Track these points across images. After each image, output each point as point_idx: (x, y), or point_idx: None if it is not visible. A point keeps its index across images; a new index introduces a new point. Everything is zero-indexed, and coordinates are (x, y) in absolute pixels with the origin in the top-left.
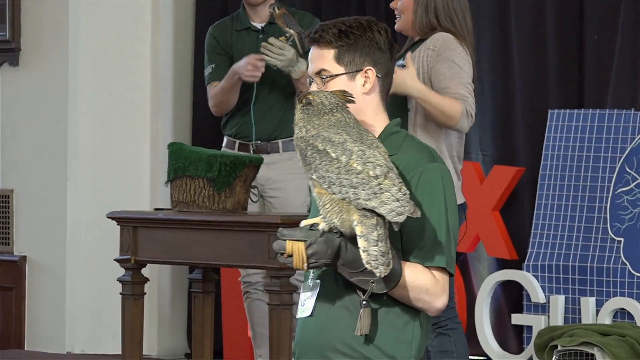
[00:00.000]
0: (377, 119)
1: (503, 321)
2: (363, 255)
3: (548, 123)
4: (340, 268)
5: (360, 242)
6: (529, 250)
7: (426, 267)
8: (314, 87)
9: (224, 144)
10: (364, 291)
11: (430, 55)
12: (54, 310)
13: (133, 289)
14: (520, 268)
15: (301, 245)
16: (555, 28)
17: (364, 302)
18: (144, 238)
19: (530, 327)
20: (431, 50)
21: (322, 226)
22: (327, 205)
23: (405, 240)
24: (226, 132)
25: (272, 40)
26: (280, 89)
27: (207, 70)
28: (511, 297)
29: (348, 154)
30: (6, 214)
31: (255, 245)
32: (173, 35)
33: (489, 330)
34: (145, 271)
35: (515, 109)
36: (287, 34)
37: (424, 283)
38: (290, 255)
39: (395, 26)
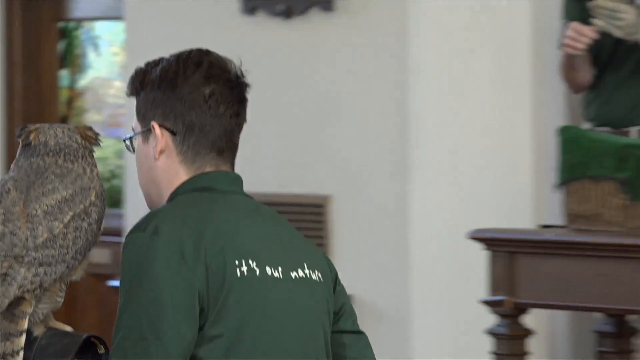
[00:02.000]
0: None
1: None
2: None
3: None
4: None
5: None
6: None
7: None
8: None
9: None
10: None
11: None
12: None
13: (511, 347)
14: None
15: None
16: None
17: None
18: (526, 270)
19: None
20: None
21: None
22: None
23: None
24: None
25: (601, 2)
26: (636, 61)
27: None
28: None
29: None
30: (320, 230)
31: None
32: None
33: None
34: (528, 319)
35: None
36: None
37: None
38: None
39: None
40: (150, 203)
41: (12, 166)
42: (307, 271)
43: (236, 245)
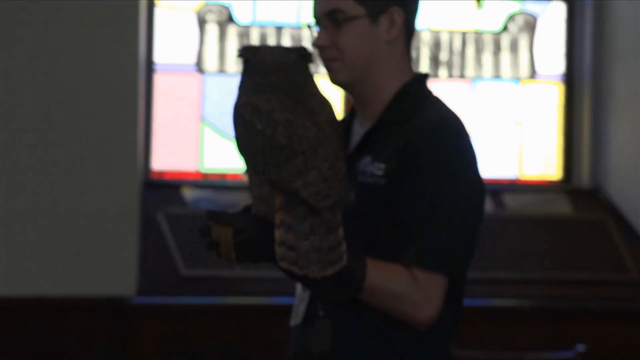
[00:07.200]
0: (399, 74)
1: None
2: (280, 250)
3: None
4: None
5: (278, 234)
6: None
7: (408, 266)
8: (322, 35)
9: None
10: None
11: None
12: None
13: None
14: None
15: (229, 231)
16: None
17: (321, 312)
18: None
19: None
20: None
21: (254, 211)
22: (255, 189)
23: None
24: None
25: None
26: None
27: None
28: None
29: (273, 126)
30: None
31: None
32: None
33: None
34: None
35: None
36: None
37: (396, 288)
38: (217, 244)
39: None
40: (358, 79)
41: (238, 87)
42: None
43: None
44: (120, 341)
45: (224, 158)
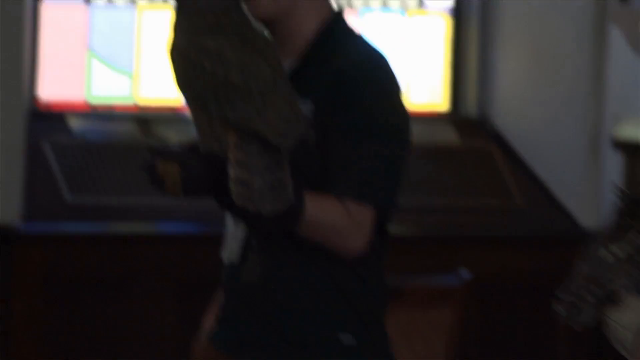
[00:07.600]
0: (320, 10)
1: None
2: (235, 188)
3: None
4: (230, 200)
5: (232, 171)
6: None
7: (340, 198)
8: None
9: None
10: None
11: None
12: None
13: None
14: None
15: (176, 166)
16: None
17: (254, 244)
18: None
19: None
20: None
21: (203, 149)
22: (205, 128)
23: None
24: None
25: None
26: None
27: None
28: None
29: (226, 66)
30: None
31: None
32: None
33: None
34: None
35: None
36: None
37: (331, 220)
38: (162, 179)
39: None
40: (281, 15)
41: (173, 28)
42: None
43: None
44: (4, 269)
45: (111, 89)
